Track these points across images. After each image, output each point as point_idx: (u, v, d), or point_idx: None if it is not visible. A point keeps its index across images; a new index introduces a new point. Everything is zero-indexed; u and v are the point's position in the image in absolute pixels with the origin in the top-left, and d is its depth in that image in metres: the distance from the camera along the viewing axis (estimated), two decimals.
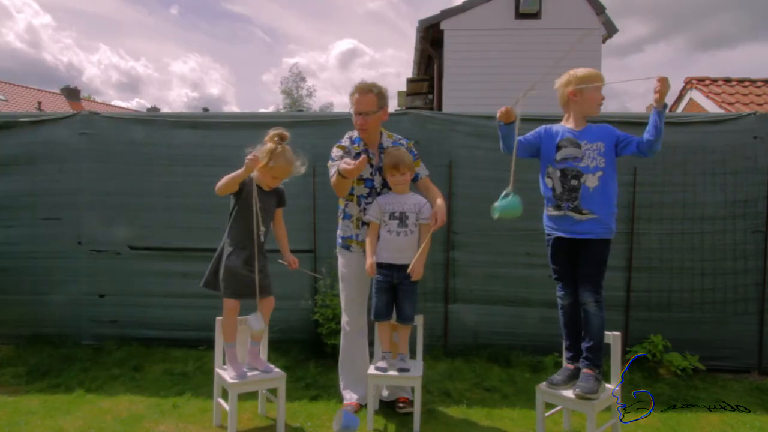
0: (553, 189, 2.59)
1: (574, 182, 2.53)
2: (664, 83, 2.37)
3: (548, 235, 2.70)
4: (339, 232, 3.14)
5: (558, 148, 2.59)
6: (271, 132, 2.75)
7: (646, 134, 2.46)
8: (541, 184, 2.69)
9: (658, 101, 2.41)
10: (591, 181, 2.52)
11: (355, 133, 3.04)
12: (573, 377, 2.59)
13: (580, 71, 2.61)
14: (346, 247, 3.08)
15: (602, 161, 2.53)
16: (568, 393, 2.53)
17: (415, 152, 3.05)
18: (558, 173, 2.57)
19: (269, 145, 2.71)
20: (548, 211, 2.65)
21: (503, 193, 2.43)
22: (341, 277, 3.16)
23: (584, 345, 2.60)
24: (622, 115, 4.06)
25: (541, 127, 2.69)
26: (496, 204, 2.43)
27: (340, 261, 3.15)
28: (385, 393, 3.19)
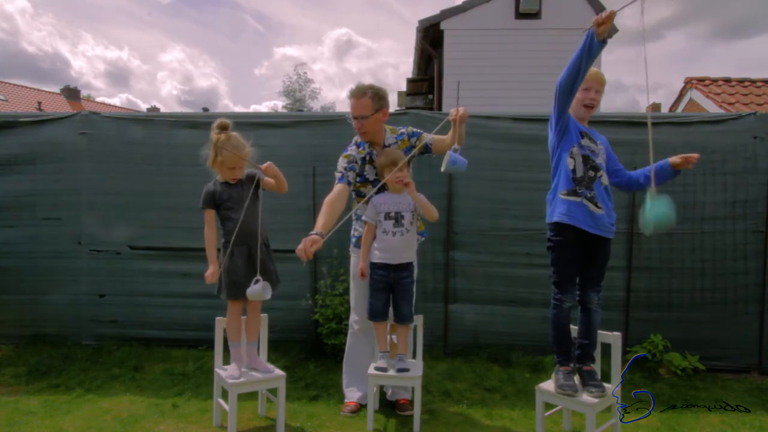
0: (574, 171, 2.47)
1: (591, 173, 2.49)
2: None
3: (559, 225, 2.48)
4: (353, 231, 3.17)
5: (581, 135, 2.54)
6: (213, 125, 2.72)
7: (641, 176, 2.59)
8: (557, 163, 2.53)
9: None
10: (604, 179, 2.52)
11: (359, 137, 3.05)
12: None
13: None
14: (359, 246, 3.09)
15: (605, 164, 2.60)
16: (589, 399, 2.45)
17: (417, 131, 3.04)
18: (581, 157, 2.49)
19: (212, 137, 2.69)
20: (561, 195, 2.46)
21: (648, 196, 2.10)
22: (352, 276, 3.18)
23: (586, 343, 2.61)
24: (619, 115, 4.05)
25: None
26: (646, 216, 2.08)
27: (352, 260, 3.18)
28: (389, 391, 3.20)
